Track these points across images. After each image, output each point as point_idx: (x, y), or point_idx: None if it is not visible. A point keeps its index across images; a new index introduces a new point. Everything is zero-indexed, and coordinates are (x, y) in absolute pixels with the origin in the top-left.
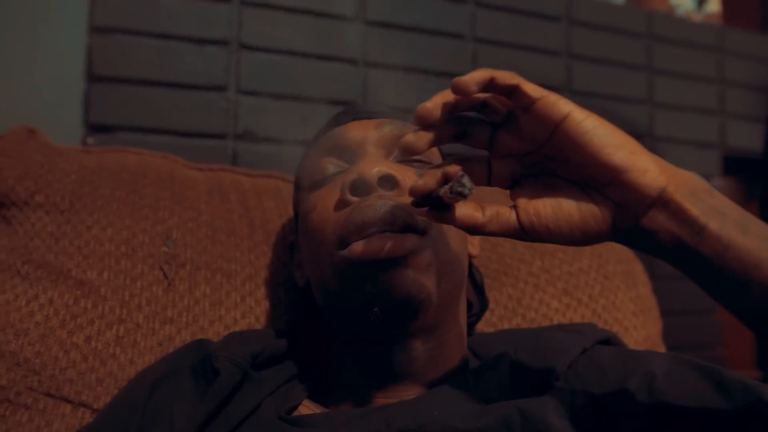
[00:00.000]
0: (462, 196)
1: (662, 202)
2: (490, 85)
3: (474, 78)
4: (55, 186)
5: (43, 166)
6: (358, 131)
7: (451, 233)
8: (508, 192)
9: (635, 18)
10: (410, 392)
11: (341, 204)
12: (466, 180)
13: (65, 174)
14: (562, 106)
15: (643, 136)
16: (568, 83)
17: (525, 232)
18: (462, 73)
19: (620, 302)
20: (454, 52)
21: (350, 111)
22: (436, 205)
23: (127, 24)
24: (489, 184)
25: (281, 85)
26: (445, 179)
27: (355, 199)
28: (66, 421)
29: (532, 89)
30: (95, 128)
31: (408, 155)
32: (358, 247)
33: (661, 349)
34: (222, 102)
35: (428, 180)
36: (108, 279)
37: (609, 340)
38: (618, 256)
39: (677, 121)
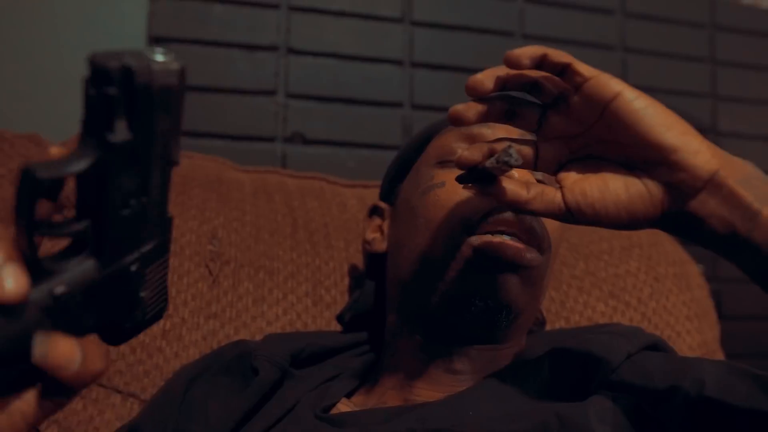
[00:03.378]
0: (508, 165)
1: (714, 185)
2: (542, 62)
3: (527, 52)
4: None
5: None
6: (501, 132)
7: (549, 267)
8: None
9: (697, 6)
10: (455, 388)
11: None
12: (513, 151)
13: None
14: (614, 85)
15: (706, 132)
16: (624, 78)
17: (571, 213)
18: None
19: (672, 306)
20: (503, 51)
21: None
22: (481, 178)
23: (182, 33)
24: (535, 168)
25: (329, 88)
26: (491, 153)
27: None
28: (116, 410)
29: (584, 68)
30: None
31: (457, 125)
32: (493, 240)
33: (719, 355)
34: (271, 106)
35: (474, 152)
36: None
37: (656, 346)
38: (670, 258)
39: (743, 115)
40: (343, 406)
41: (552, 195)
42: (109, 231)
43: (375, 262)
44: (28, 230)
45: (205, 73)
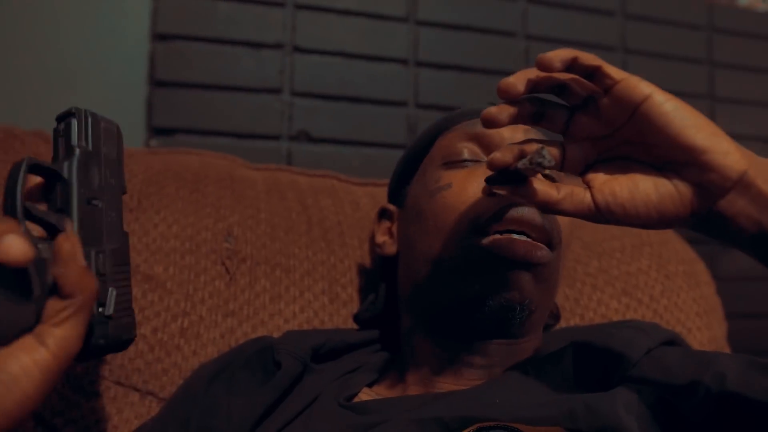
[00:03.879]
0: (541, 167)
1: (743, 185)
2: (572, 65)
3: (558, 55)
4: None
5: None
6: (507, 131)
7: (560, 262)
8: None
9: (695, 9)
10: (477, 381)
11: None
12: (545, 152)
13: (133, 175)
14: (643, 87)
15: None
16: None
17: (600, 213)
18: (513, 72)
19: (683, 303)
20: (506, 50)
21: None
22: (512, 179)
23: (187, 31)
24: (561, 169)
25: (334, 86)
26: (522, 155)
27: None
28: (135, 409)
29: (614, 71)
30: (158, 131)
31: (490, 127)
32: (503, 239)
33: (727, 351)
34: (277, 104)
35: (506, 154)
36: (173, 274)
37: (673, 341)
38: (679, 256)
39: (740, 116)
40: (366, 396)
41: (581, 195)
42: (77, 222)
43: (386, 264)
44: (23, 213)
45: (210, 71)
